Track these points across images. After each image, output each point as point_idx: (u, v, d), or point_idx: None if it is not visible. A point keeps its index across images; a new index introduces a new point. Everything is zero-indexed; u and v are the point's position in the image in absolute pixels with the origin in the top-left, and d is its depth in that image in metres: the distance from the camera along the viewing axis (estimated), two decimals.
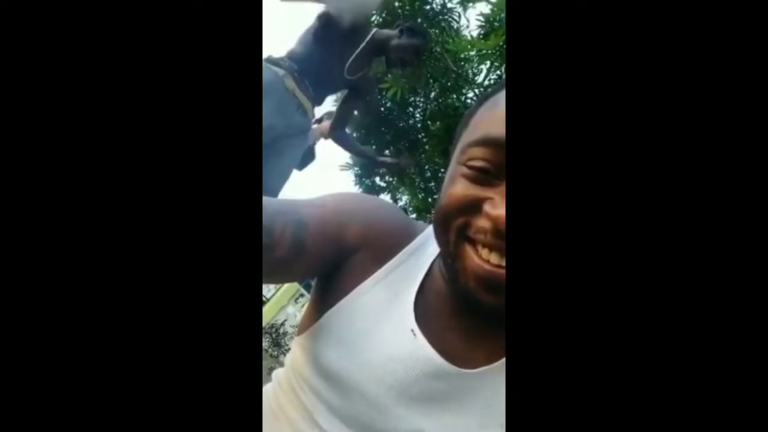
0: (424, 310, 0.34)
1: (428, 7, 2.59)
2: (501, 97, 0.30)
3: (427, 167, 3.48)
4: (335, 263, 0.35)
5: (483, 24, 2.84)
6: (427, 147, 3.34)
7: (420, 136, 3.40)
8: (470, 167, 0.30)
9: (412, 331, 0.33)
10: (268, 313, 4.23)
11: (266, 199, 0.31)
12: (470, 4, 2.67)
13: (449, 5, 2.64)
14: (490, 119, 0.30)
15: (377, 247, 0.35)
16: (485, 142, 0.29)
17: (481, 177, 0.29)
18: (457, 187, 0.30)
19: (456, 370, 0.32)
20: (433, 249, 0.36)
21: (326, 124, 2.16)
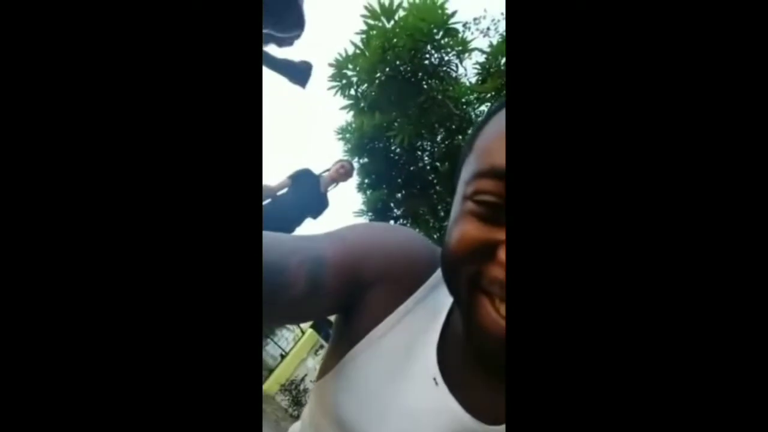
0: (447, 354, 0.30)
1: (427, 62, 2.81)
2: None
3: (439, 207, 3.50)
4: (354, 301, 0.31)
5: (480, 72, 3.04)
6: (438, 187, 3.40)
7: (430, 177, 3.48)
8: (478, 202, 0.24)
9: (434, 379, 0.29)
10: (287, 369, 4.04)
11: (281, 236, 0.29)
12: (466, 55, 2.88)
13: (447, 58, 2.85)
14: (499, 145, 0.24)
15: (397, 281, 0.31)
16: (495, 173, 0.24)
17: (492, 214, 0.24)
18: (465, 227, 0.25)
19: (482, 426, 0.28)
20: None
21: (333, 170, 2.26)
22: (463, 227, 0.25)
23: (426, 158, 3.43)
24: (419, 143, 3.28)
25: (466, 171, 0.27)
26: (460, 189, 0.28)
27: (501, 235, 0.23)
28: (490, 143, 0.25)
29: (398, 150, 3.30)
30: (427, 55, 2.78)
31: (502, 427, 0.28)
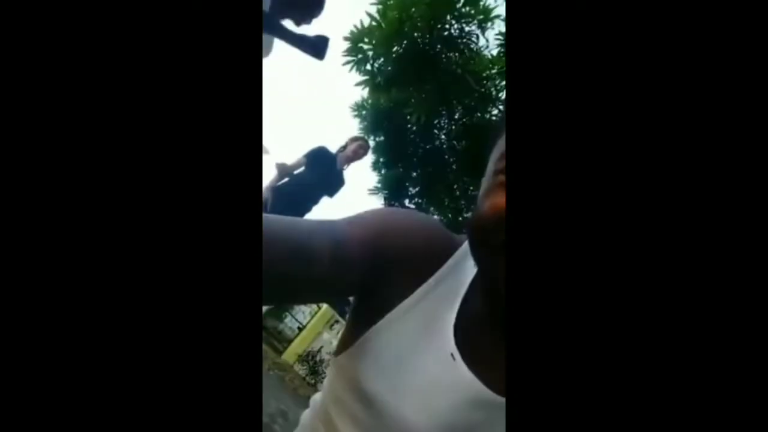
0: (464, 331, 0.31)
1: (446, 33, 2.67)
2: None
3: (455, 186, 3.45)
4: (374, 281, 0.33)
5: (503, 42, 2.87)
6: (454, 167, 3.33)
7: (447, 156, 3.41)
8: None
9: (452, 355, 0.31)
10: (304, 341, 4.24)
11: (303, 220, 0.31)
12: (488, 25, 2.72)
13: (467, 29, 2.70)
14: None
15: (416, 265, 0.33)
16: None
17: None
18: (496, 197, 0.26)
19: (498, 398, 0.30)
20: (472, 264, 0.33)
21: (351, 149, 2.25)
22: (494, 198, 0.26)
23: (443, 136, 3.34)
24: (436, 121, 3.19)
25: (497, 150, 0.29)
26: (491, 166, 0.29)
27: None
28: None
29: (414, 128, 3.22)
30: (447, 26, 2.64)
31: None
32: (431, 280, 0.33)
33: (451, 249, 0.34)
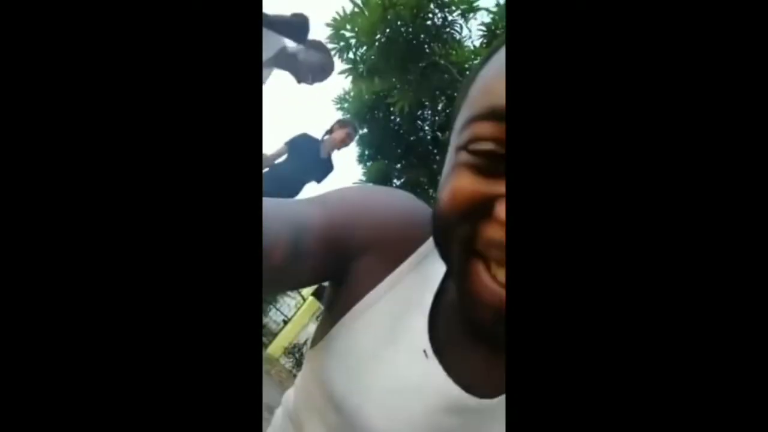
0: (439, 324, 0.28)
1: (429, 22, 2.66)
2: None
3: (440, 177, 3.46)
4: (343, 267, 0.29)
5: (485, 33, 2.88)
6: (438, 157, 3.35)
7: (430, 147, 3.41)
8: (473, 152, 0.21)
9: (424, 351, 0.27)
10: (289, 334, 4.22)
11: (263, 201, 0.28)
12: (471, 15, 2.72)
13: (450, 18, 2.69)
14: (497, 84, 0.20)
15: (388, 247, 0.29)
16: (492, 115, 0.20)
17: (489, 165, 0.21)
18: (457, 181, 0.22)
19: (474, 400, 0.26)
20: None
21: (338, 134, 2.21)
22: (455, 181, 0.22)
23: (426, 128, 3.34)
24: (420, 112, 3.18)
25: (461, 118, 0.24)
26: (453, 140, 0.24)
27: (500, 188, 0.20)
28: (489, 83, 0.22)
29: (398, 120, 3.21)
30: (430, 15, 2.63)
31: (494, 401, 0.27)
32: (404, 266, 0.29)
33: (429, 230, 0.29)
